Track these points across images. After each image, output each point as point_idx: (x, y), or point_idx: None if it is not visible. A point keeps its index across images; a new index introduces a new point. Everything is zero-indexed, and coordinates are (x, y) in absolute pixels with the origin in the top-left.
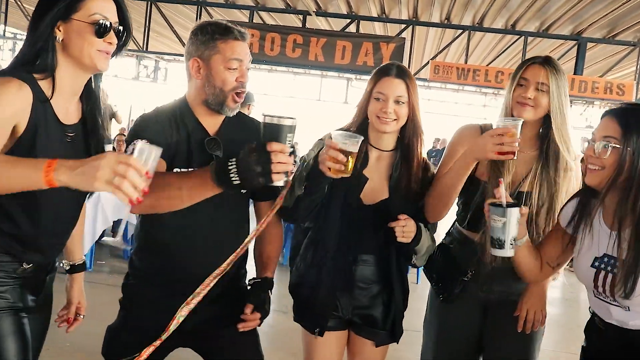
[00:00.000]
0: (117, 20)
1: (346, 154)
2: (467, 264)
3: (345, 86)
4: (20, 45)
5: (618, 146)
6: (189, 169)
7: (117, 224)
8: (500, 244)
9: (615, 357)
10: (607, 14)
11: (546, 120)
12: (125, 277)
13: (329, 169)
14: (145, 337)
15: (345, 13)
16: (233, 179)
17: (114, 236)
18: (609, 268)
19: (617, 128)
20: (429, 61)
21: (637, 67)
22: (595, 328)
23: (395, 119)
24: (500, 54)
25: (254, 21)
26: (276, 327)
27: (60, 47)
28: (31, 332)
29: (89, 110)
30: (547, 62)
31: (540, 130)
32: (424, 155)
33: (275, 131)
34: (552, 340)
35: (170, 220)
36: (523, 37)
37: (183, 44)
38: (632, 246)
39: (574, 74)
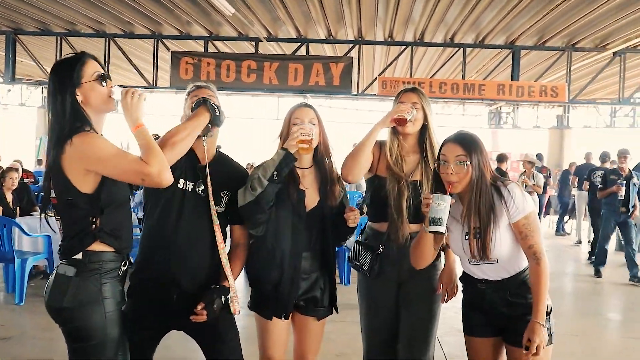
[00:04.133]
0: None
1: (310, 134)
2: (377, 245)
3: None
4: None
5: (468, 162)
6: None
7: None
8: (440, 222)
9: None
10: (536, 22)
11: (422, 131)
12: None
13: (299, 146)
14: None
15: (295, 37)
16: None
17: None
18: (477, 237)
19: (462, 150)
20: (376, 77)
21: (567, 70)
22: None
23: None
24: (442, 66)
25: (209, 50)
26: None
27: (83, 105)
28: None
29: None
30: (415, 89)
31: (419, 138)
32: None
33: None
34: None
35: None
36: (462, 49)
37: (142, 76)
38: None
39: (512, 79)
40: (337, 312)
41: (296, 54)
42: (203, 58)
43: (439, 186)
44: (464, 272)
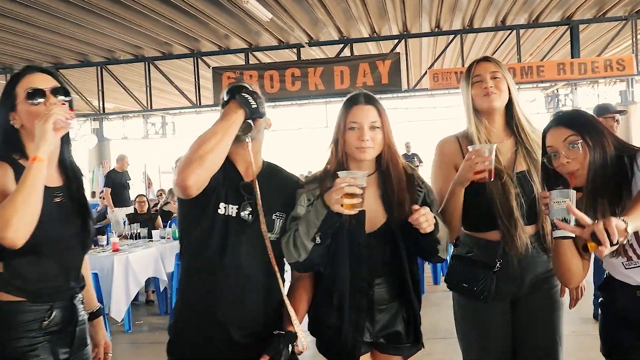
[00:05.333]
0: (56, 84)
1: (361, 187)
2: (493, 261)
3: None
4: None
5: (581, 140)
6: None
7: (147, 283)
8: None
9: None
10: None
11: (508, 108)
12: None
13: (342, 205)
14: None
15: (337, 39)
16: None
17: (147, 295)
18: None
19: (569, 130)
20: (426, 71)
21: (632, 39)
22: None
23: (372, 147)
24: (495, 51)
25: (250, 62)
26: None
27: (22, 132)
28: None
29: (69, 175)
30: (489, 58)
31: (507, 118)
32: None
33: None
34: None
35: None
36: (515, 30)
37: (185, 97)
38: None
39: (572, 57)
40: (424, 348)
41: (340, 55)
42: (245, 71)
43: (554, 183)
44: (610, 278)
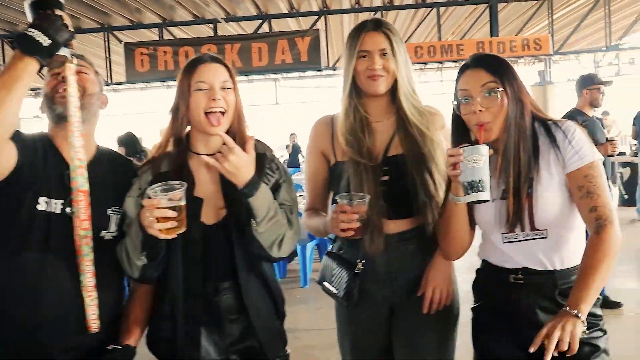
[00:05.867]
0: None
1: (176, 209)
2: (355, 260)
3: (274, 87)
4: None
5: (501, 88)
6: None
7: None
8: (482, 185)
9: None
10: None
11: (393, 86)
12: None
13: (160, 230)
14: None
15: (256, 14)
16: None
17: None
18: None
19: (490, 75)
20: None
21: (549, 20)
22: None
23: (224, 109)
24: (416, 29)
25: (164, 38)
26: None
27: None
28: None
29: None
30: (380, 26)
31: (390, 96)
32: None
33: None
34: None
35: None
36: (435, 9)
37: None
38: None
39: (491, 36)
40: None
41: (258, 32)
42: (159, 47)
43: (462, 137)
44: (483, 264)
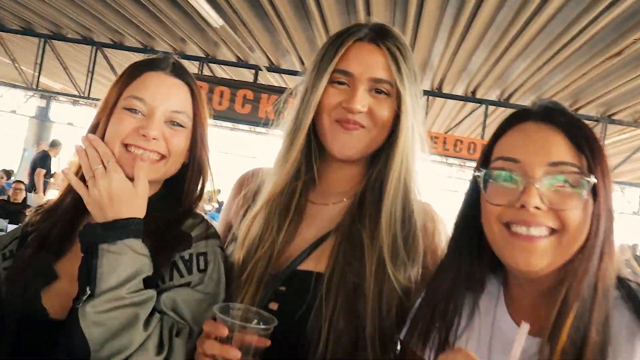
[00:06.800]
0: None
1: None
2: None
3: None
4: None
5: (592, 179)
6: None
7: None
8: None
9: None
10: (570, 84)
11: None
12: None
13: None
14: None
15: (299, 70)
16: None
17: None
18: None
19: (572, 148)
20: None
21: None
22: None
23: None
24: (461, 122)
25: (204, 73)
26: None
27: None
28: None
29: None
30: (384, 35)
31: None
32: None
33: None
34: None
35: None
36: (484, 105)
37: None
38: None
39: None
40: None
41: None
42: (197, 81)
43: (470, 250)
44: None
